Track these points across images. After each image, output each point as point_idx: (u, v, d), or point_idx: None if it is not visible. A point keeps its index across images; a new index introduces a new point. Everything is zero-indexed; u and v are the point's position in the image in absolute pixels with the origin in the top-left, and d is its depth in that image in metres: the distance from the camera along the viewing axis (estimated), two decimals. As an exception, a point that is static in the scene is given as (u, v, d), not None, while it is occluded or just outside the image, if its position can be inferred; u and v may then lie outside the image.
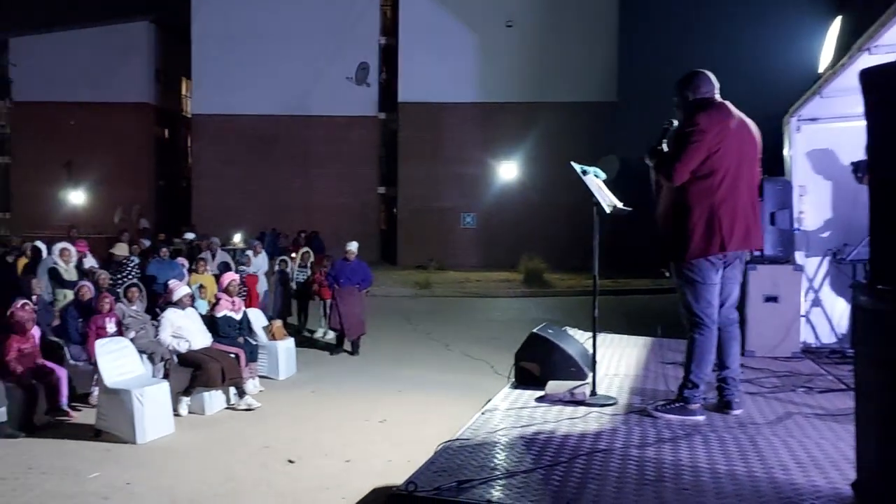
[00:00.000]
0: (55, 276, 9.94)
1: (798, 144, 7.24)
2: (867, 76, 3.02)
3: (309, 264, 13.36)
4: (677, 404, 4.51)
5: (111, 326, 8.27)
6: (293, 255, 14.75)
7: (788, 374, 5.76)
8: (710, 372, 4.58)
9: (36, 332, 7.86)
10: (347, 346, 11.39)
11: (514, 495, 3.20)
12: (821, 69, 6.75)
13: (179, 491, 5.69)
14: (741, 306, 6.51)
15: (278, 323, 10.48)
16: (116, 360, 7.48)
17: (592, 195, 4.80)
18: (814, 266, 7.13)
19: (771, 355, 6.42)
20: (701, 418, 4.42)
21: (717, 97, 4.58)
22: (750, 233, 4.50)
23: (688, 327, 4.58)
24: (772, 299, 6.56)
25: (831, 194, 7.15)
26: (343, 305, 11.22)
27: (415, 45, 27.75)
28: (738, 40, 21.32)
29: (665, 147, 4.59)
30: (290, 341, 10.20)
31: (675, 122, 4.61)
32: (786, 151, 7.35)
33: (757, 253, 6.36)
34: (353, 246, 11.67)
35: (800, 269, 6.74)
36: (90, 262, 10.99)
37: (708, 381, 4.57)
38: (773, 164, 7.49)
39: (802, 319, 6.76)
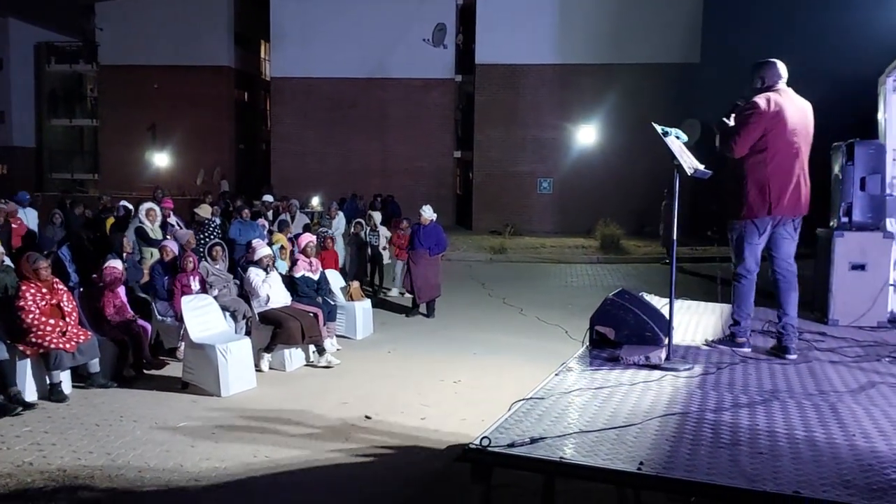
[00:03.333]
0: (142, 235, 10.32)
1: (894, 106, 6.90)
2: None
3: (374, 227, 13.57)
4: (727, 338, 5.41)
5: (195, 284, 8.59)
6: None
7: (873, 344, 5.58)
8: (751, 311, 5.39)
9: (121, 288, 8.25)
10: (423, 308, 11.55)
11: (586, 452, 3.23)
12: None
13: (262, 441, 5.94)
14: (825, 274, 6.39)
15: (356, 284, 10.71)
16: (201, 317, 7.82)
17: (674, 157, 4.73)
18: (906, 234, 6.84)
19: (856, 324, 6.22)
20: (747, 350, 5.25)
21: (782, 85, 5.23)
22: (799, 201, 5.22)
23: (732, 275, 5.49)
24: (858, 267, 6.34)
25: (929, 159, 6.82)
26: (414, 269, 11.38)
27: (492, 6, 27.31)
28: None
29: (731, 122, 5.25)
30: (367, 302, 10.43)
31: (743, 101, 5.28)
32: (880, 114, 7.02)
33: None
34: (426, 211, 11.74)
35: (891, 236, 6.46)
36: (174, 220, 11.35)
37: (749, 319, 5.36)
38: (866, 126, 7.18)
39: (891, 288, 6.51)
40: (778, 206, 5.12)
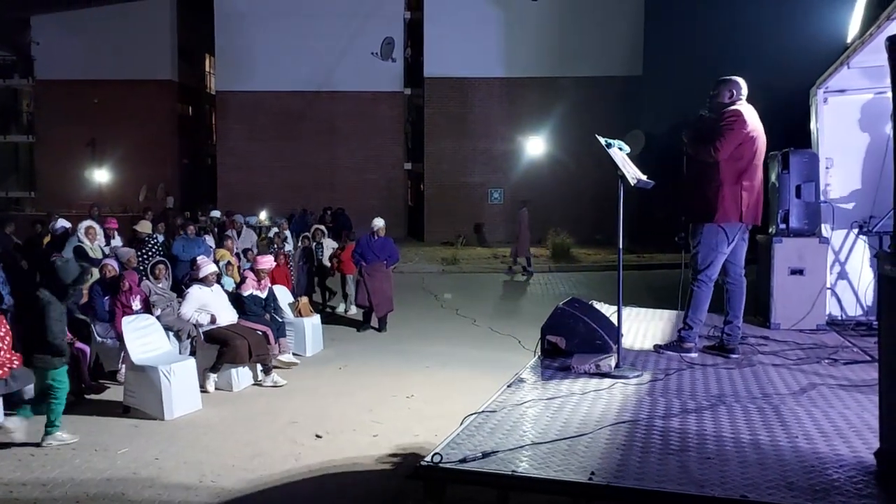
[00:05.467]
0: (81, 254, 10.00)
1: (825, 116, 7.14)
2: (893, 43, 2.99)
3: (321, 241, 13.42)
4: (675, 342, 5.54)
5: (137, 304, 8.36)
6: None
7: (813, 347, 5.74)
8: (704, 318, 5.54)
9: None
10: (374, 322, 11.45)
11: (539, 465, 3.23)
12: (849, 39, 6.64)
13: (207, 466, 5.77)
14: (767, 279, 6.56)
15: (304, 300, 10.56)
16: (143, 338, 7.57)
17: (617, 168, 4.81)
18: (840, 238, 7.05)
19: (796, 328, 6.40)
20: (694, 355, 5.42)
21: (744, 100, 5.49)
22: (758, 211, 5.52)
23: (691, 279, 5.57)
24: (797, 272, 6.53)
25: (859, 166, 7.06)
26: (370, 282, 11.22)
27: (440, 20, 27.51)
28: (764, 13, 20.93)
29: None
30: (317, 318, 10.28)
31: (708, 112, 5.54)
32: (812, 124, 7.26)
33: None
34: (378, 222, 11.63)
35: (826, 241, 6.67)
36: (117, 241, 11.02)
37: (701, 325, 5.55)
38: (800, 137, 7.41)
39: (828, 292, 6.71)
40: (747, 215, 5.37)
